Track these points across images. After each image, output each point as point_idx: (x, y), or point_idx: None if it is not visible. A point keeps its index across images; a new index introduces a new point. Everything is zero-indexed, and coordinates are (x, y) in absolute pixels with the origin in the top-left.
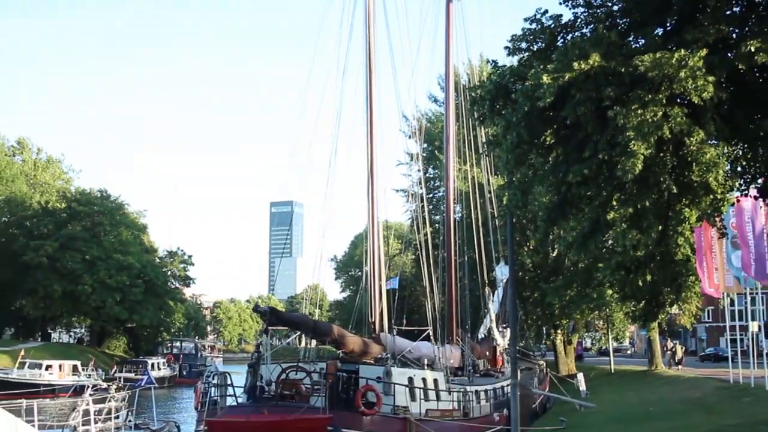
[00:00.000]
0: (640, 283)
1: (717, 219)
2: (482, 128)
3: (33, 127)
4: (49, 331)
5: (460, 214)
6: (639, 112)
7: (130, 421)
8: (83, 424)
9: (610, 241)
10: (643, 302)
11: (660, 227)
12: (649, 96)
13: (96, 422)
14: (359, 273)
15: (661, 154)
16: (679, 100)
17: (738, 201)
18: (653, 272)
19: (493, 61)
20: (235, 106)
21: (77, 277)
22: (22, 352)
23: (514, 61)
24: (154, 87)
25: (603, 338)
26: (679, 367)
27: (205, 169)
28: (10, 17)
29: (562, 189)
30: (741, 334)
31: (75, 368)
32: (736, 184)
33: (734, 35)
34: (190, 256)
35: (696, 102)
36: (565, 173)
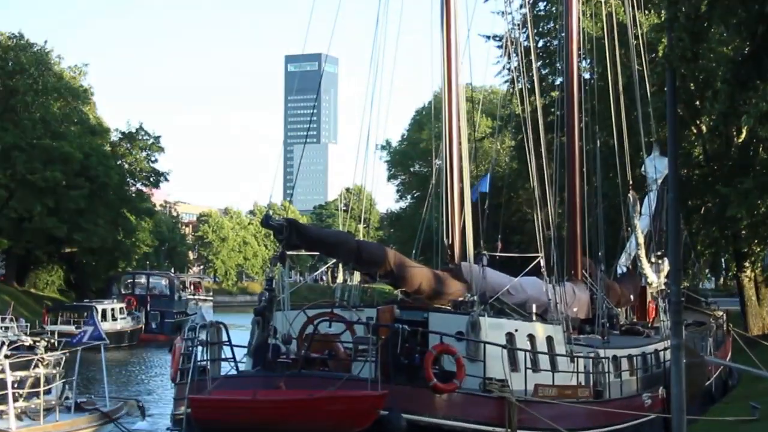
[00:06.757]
0: None
1: None
2: None
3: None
4: None
5: (588, 74)
6: None
7: (68, 398)
8: None
9: None
10: None
11: None
12: None
13: (16, 398)
14: (426, 169)
15: None
16: None
17: None
18: None
19: None
20: None
21: None
22: None
23: None
24: None
25: None
26: None
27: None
28: None
29: (759, 29)
30: None
31: None
32: None
33: None
34: (158, 138)
35: None
36: (764, 1)
